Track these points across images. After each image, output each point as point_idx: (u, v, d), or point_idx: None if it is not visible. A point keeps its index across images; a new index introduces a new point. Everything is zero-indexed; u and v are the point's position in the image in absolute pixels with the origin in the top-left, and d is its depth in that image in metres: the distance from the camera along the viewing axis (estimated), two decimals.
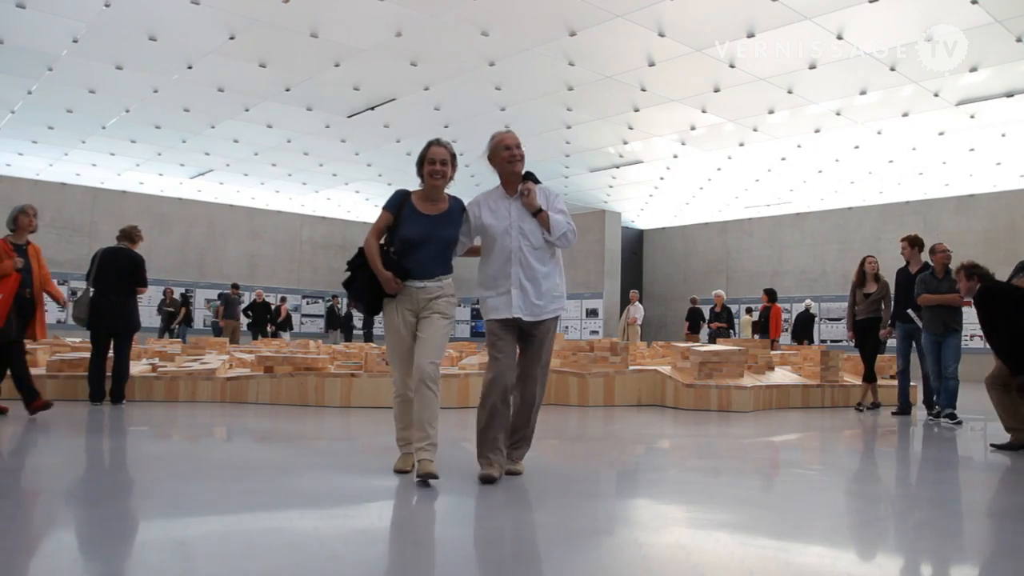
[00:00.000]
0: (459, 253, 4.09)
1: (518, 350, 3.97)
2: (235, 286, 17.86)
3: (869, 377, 8.56)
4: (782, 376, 9.31)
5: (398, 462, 4.01)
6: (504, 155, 3.93)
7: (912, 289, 7.65)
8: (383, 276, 3.79)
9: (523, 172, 4.00)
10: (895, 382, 8.63)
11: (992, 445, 5.60)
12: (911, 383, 8.33)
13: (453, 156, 3.98)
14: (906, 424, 7.36)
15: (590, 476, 4.35)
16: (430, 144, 3.95)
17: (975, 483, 4.49)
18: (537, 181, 4.02)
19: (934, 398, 7.62)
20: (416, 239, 3.84)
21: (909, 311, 7.78)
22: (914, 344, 7.95)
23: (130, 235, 7.64)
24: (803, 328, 15.86)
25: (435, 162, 3.88)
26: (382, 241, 3.93)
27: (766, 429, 6.76)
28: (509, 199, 3.94)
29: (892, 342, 8.37)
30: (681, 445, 5.79)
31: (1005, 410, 5.55)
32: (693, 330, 16.48)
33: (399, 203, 3.94)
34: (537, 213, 3.86)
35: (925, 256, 8.03)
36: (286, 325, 19.38)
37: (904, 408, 8.08)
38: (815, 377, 9.27)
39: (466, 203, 4.09)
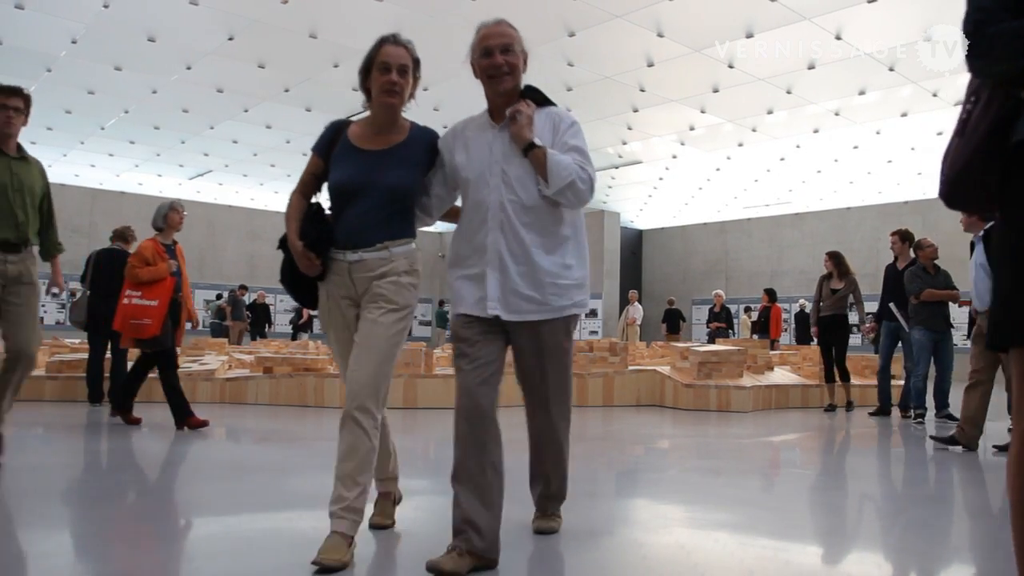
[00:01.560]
0: (434, 214, 2.72)
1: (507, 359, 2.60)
2: (243, 287, 17.85)
3: (829, 377, 8.37)
4: (781, 376, 9.32)
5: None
6: (483, 64, 2.51)
7: (900, 286, 7.28)
8: (293, 248, 2.59)
9: (520, 88, 2.59)
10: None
11: (994, 447, 5.56)
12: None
13: (416, 63, 2.61)
14: (898, 425, 7.34)
15: (589, 476, 4.34)
16: (382, 42, 2.57)
17: (975, 482, 4.49)
18: (547, 101, 2.64)
19: (914, 401, 7.09)
20: (347, 186, 2.55)
21: (891, 305, 7.48)
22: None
23: (124, 235, 7.64)
24: (806, 329, 15.88)
25: (390, 69, 2.51)
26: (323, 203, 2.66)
27: (765, 429, 6.77)
28: (494, 128, 2.55)
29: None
30: (680, 445, 5.79)
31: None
32: (671, 330, 16.47)
33: (331, 138, 2.64)
34: (529, 150, 2.44)
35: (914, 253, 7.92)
36: (308, 327, 19.40)
37: (884, 408, 7.81)
38: (814, 377, 9.28)
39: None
